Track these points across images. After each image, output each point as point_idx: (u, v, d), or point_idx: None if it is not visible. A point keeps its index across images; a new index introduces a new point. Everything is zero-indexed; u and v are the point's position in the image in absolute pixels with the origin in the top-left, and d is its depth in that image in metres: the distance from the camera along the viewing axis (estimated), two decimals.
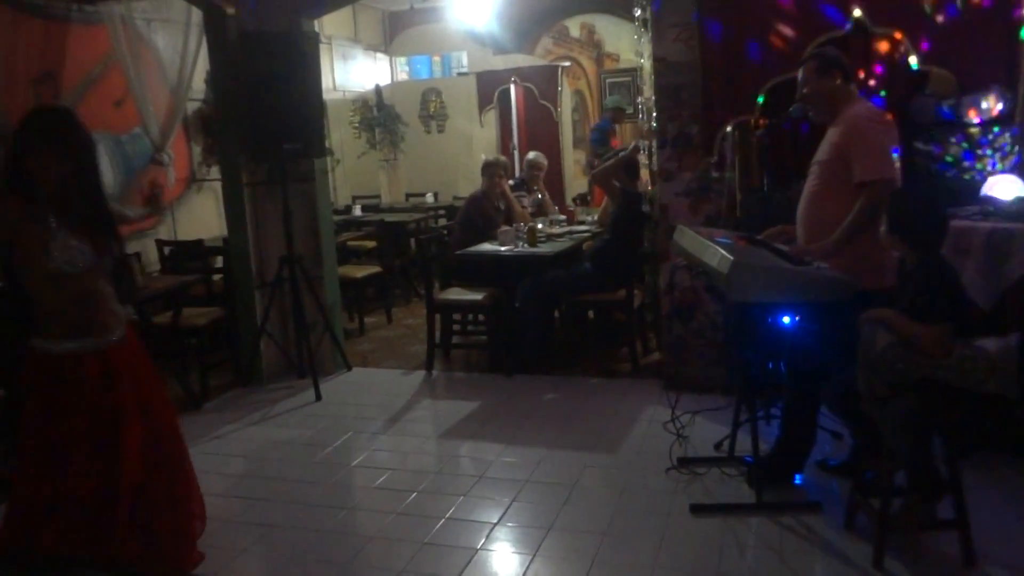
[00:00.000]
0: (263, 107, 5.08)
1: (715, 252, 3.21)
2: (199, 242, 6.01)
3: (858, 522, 3.20)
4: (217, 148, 6.21)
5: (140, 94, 6.21)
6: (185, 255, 5.99)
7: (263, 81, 5.05)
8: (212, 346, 5.65)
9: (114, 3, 5.90)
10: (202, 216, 6.95)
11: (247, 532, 3.51)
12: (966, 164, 4.04)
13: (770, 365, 3.83)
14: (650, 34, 4.87)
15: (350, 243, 7.77)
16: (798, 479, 3.61)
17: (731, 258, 3.05)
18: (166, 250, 6.12)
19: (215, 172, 6.98)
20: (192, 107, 6.87)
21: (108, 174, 6.04)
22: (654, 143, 4.96)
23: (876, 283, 3.26)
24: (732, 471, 3.75)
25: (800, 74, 3.57)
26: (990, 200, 3.76)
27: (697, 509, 3.44)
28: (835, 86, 3.47)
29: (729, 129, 4.60)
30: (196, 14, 5.75)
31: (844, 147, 3.35)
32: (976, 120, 4.06)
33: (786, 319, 3.34)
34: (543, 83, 9.82)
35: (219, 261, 5.82)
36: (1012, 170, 3.94)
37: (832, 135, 3.45)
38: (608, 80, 10.00)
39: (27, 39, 5.47)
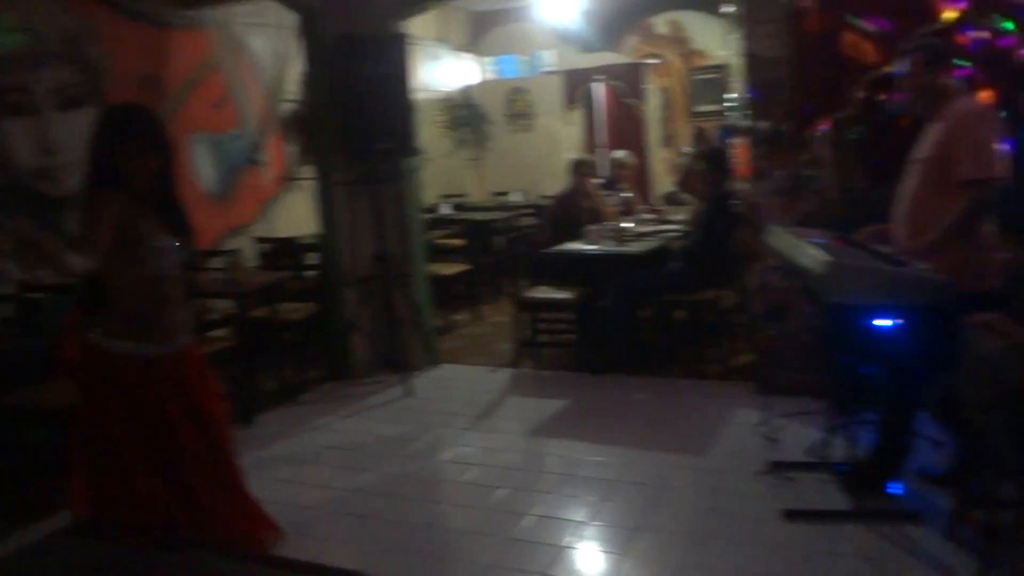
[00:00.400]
0: (355, 108, 5.21)
1: (810, 252, 3.14)
2: (293, 240, 6.19)
3: (961, 534, 3.09)
4: (311, 148, 6.38)
5: (238, 96, 6.43)
6: (281, 252, 6.18)
7: (356, 83, 5.17)
8: (307, 341, 5.81)
9: (214, 8, 6.13)
10: (297, 214, 7.14)
11: (342, 522, 3.62)
12: None
13: (866, 369, 3.74)
14: (741, 30, 4.79)
15: (438, 241, 7.88)
16: (895, 488, 3.51)
17: (827, 259, 2.99)
18: (263, 247, 6.32)
19: (310, 171, 7.18)
20: (287, 108, 7.07)
21: (209, 174, 6.28)
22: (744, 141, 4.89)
23: (978, 285, 3.14)
24: (826, 477, 3.67)
25: (902, 67, 3.45)
26: None
27: (790, 515, 3.38)
28: (941, 80, 3.35)
29: (824, 126, 4.50)
30: (291, 18, 5.91)
31: (947, 144, 3.23)
32: None
33: (884, 322, 3.25)
34: (629, 81, 9.75)
35: (313, 258, 5.99)
36: None
37: (935, 131, 3.33)
38: (696, 77, 9.85)
39: (134, 44, 5.73)
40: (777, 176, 4.70)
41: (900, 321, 3.20)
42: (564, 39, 9.85)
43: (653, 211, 6.76)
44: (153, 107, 2.97)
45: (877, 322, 3.25)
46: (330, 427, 4.79)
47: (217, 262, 5.43)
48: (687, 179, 6.31)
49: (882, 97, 4.32)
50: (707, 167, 5.59)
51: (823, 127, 4.52)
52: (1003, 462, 2.81)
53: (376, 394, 5.32)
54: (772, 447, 3.98)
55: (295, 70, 6.58)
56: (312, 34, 5.52)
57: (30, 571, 1.57)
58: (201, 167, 6.27)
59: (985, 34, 4.22)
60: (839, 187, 4.60)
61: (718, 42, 9.03)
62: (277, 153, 7.02)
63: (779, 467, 3.79)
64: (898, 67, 3.48)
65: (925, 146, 3.37)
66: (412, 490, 3.90)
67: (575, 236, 5.86)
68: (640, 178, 8.72)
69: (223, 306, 5.53)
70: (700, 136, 6.13)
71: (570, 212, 6.11)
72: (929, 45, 3.44)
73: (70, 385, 2.77)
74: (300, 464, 4.27)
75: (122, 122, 2.67)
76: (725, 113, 8.97)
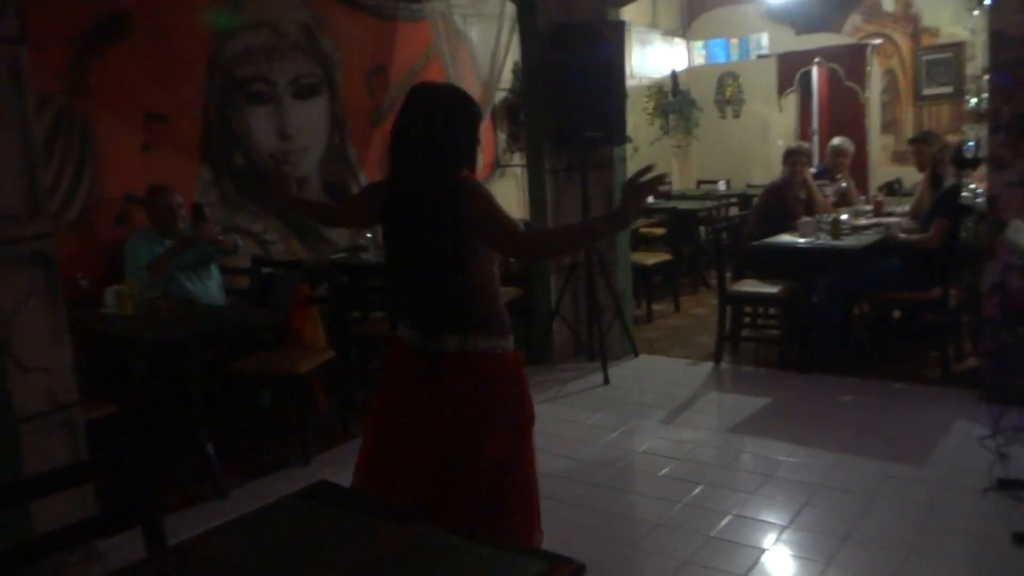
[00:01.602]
0: (569, 96, 5.27)
1: None
2: None
3: None
4: (523, 135, 6.52)
5: (456, 84, 6.67)
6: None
7: (569, 70, 5.23)
8: (514, 324, 5.94)
9: (437, 0, 6.39)
10: (504, 199, 7.24)
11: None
12: None
13: None
14: (985, 5, 4.38)
15: (641, 230, 7.82)
16: None
17: None
18: None
19: (517, 158, 7.35)
20: (499, 96, 7.26)
21: None
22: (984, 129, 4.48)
23: None
24: None
25: None
26: None
27: (1021, 539, 3.08)
28: None
29: None
30: (510, 7, 6.05)
31: None
32: None
33: None
34: (850, 63, 9.19)
35: None
36: None
37: None
38: (924, 57, 9.12)
39: (362, 36, 6.09)
40: (1020, 166, 4.27)
41: None
42: (778, 20, 9.45)
43: (872, 202, 6.35)
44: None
45: None
46: None
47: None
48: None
49: None
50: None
51: None
52: None
53: (574, 381, 5.37)
54: (1001, 462, 3.64)
55: (511, 59, 6.75)
56: (529, 23, 5.63)
57: (270, 527, 1.72)
58: None
59: None
60: None
61: (953, 19, 8.32)
62: (488, 140, 7.22)
63: (1008, 485, 3.46)
64: None
65: None
66: (607, 479, 3.91)
67: (786, 228, 5.62)
68: (858, 167, 8.22)
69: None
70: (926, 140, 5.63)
71: (783, 203, 5.85)
72: None
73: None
74: None
75: (464, 99, 2.40)
76: (960, 98, 8.28)
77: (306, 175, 5.71)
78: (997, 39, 4.32)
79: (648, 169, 2.21)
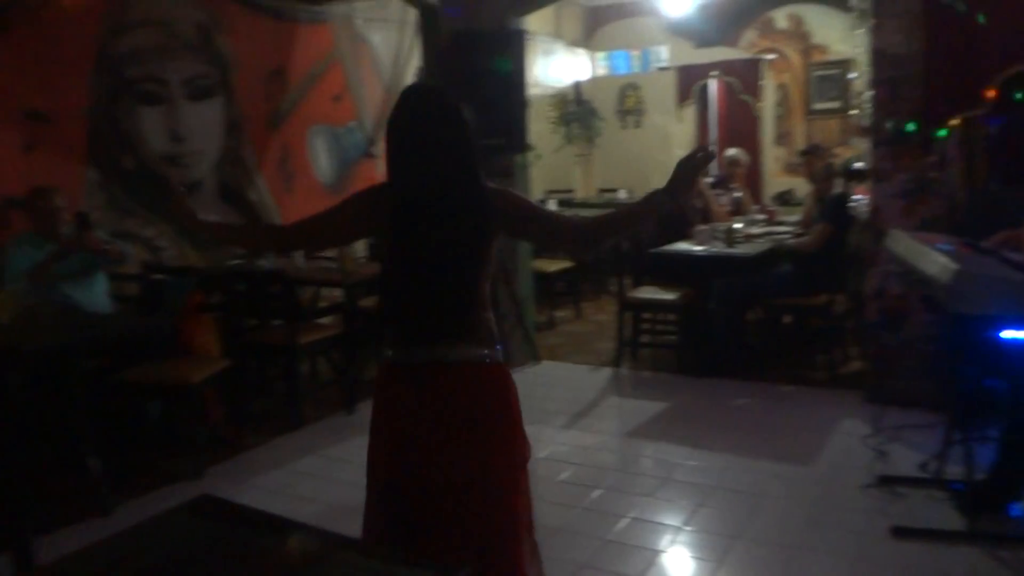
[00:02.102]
0: (470, 103, 5.25)
1: (935, 259, 2.99)
2: None
3: None
4: None
5: (357, 90, 6.60)
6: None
7: (470, 77, 5.23)
8: None
9: (338, 3, 6.31)
10: None
11: None
12: None
13: (990, 382, 3.53)
14: (868, 24, 4.60)
15: None
16: (1017, 510, 3.31)
17: (954, 266, 2.83)
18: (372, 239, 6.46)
19: None
20: None
21: (325, 165, 6.47)
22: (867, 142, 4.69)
23: None
24: (940, 494, 3.48)
25: None
26: None
27: (898, 532, 3.22)
28: None
29: (953, 124, 4.27)
30: (412, 13, 6.02)
31: None
32: None
33: (1013, 334, 3.06)
34: (745, 77, 9.50)
35: None
36: None
37: None
38: (815, 73, 9.51)
39: (261, 37, 5.95)
40: (901, 178, 4.49)
41: None
42: (678, 34, 9.69)
43: (765, 211, 6.57)
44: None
45: (1005, 334, 3.07)
46: None
47: (329, 252, 5.59)
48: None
49: (1018, 95, 4.07)
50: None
51: (952, 126, 4.28)
52: None
53: None
54: (881, 460, 3.81)
55: (413, 65, 6.72)
56: (430, 29, 5.62)
57: (148, 544, 1.64)
58: (318, 158, 6.46)
59: None
60: (967, 190, 4.35)
61: (840, 37, 8.70)
62: None
63: (888, 481, 3.63)
64: None
65: None
66: None
67: (683, 236, 5.76)
68: (752, 177, 8.49)
69: (333, 295, 5.71)
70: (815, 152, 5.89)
71: (680, 211, 5.99)
72: None
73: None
74: None
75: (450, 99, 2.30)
76: (847, 112, 8.65)
77: (200, 179, 5.54)
78: (878, 57, 4.53)
79: (702, 149, 2.20)
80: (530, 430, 4.61)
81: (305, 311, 5.42)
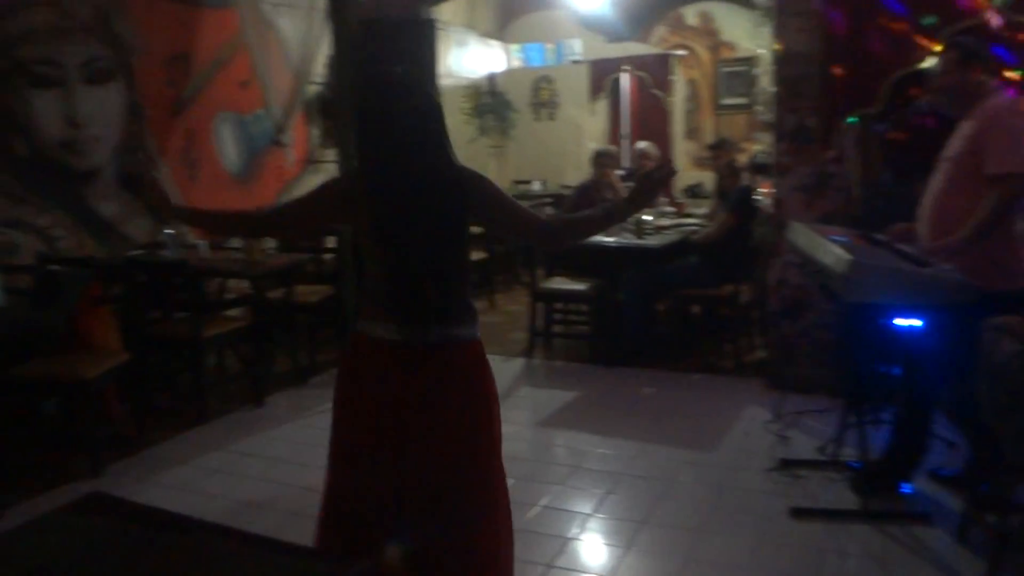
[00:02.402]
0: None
1: (831, 250, 3.10)
2: None
3: (971, 537, 3.05)
4: (334, 131, 6.39)
5: (264, 76, 6.44)
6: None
7: (381, 67, 5.17)
8: (322, 323, 5.83)
9: None
10: None
11: None
12: None
13: (882, 368, 3.69)
14: (772, 23, 4.73)
15: None
16: (907, 488, 3.47)
17: (849, 257, 2.94)
18: None
19: (331, 155, 7.19)
20: (313, 91, 7.08)
21: (232, 154, 6.30)
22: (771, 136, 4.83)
23: (1006, 285, 3.08)
24: (836, 476, 3.63)
25: (934, 64, 3.37)
26: None
27: (798, 513, 3.34)
28: (974, 78, 3.27)
29: (850, 122, 4.43)
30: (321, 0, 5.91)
31: (978, 140, 3.15)
32: None
33: (904, 321, 3.20)
34: (656, 72, 9.68)
35: (331, 242, 5.99)
36: None
37: (965, 129, 3.25)
38: (723, 69, 9.75)
39: (164, 21, 5.74)
40: (801, 172, 4.64)
41: (921, 321, 3.16)
42: (591, 28, 9.78)
43: (674, 204, 6.71)
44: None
45: (897, 322, 3.21)
46: None
47: (236, 243, 5.46)
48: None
49: (911, 94, 4.25)
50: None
51: (849, 123, 4.45)
52: (1016, 466, 2.77)
53: None
54: (782, 444, 3.95)
55: (323, 52, 6.59)
56: (340, 17, 5.52)
57: (32, 545, 1.57)
58: (225, 147, 6.29)
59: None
60: (863, 184, 4.53)
61: (747, 35, 8.92)
62: (300, 135, 7.03)
63: (789, 464, 3.76)
64: (931, 65, 3.41)
65: (955, 143, 3.30)
66: None
67: None
68: None
69: (240, 286, 5.57)
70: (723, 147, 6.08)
71: (590, 203, 6.06)
72: (961, 43, 3.37)
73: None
74: (308, 446, 4.28)
75: None
76: (753, 107, 8.89)
77: (99, 166, 5.32)
78: (781, 55, 4.67)
79: (665, 165, 2.35)
80: None
81: (211, 303, 5.28)
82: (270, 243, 6.26)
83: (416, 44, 5.29)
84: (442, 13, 8.86)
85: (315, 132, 7.16)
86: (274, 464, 4.07)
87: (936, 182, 3.35)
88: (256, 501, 3.66)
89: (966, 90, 3.26)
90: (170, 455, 4.19)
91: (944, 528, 3.16)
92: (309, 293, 5.55)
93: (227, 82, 6.29)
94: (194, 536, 1.57)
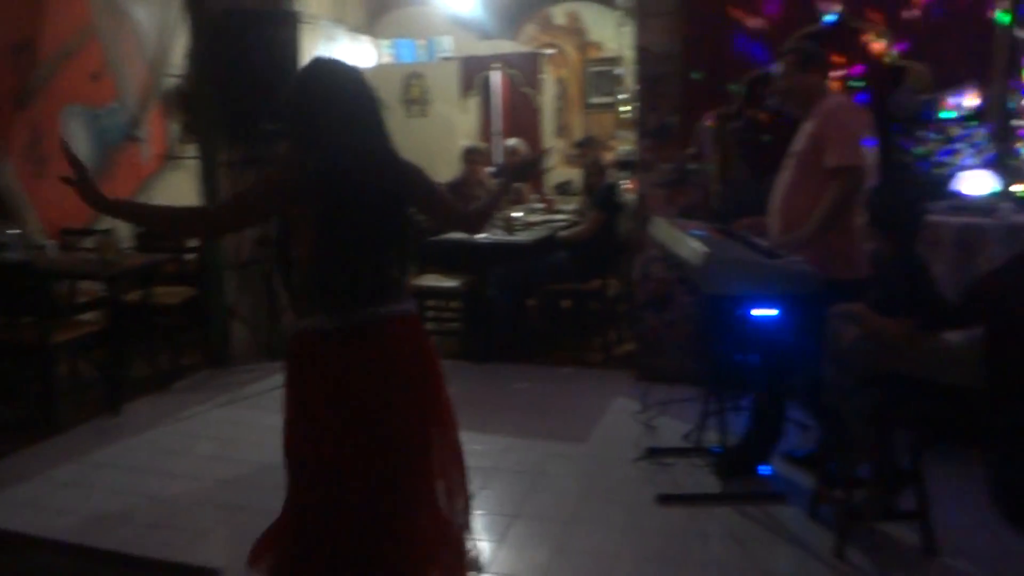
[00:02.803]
0: (242, 86, 5.04)
1: (689, 244, 3.20)
2: None
3: (822, 513, 3.22)
4: (194, 125, 6.14)
5: (118, 68, 6.12)
6: (159, 233, 5.92)
7: (242, 59, 5.01)
8: (183, 326, 5.61)
9: None
10: (178, 194, 6.84)
11: (212, 514, 3.49)
12: (941, 159, 4.06)
13: (740, 357, 3.85)
14: (633, 23, 4.85)
15: None
16: (765, 470, 3.64)
17: (705, 250, 3.05)
18: (141, 227, 6.03)
19: (192, 150, 6.91)
20: (171, 83, 6.78)
21: (83, 149, 5.96)
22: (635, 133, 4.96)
23: (849, 274, 3.27)
24: (700, 462, 3.76)
25: (778, 67, 3.56)
26: (962, 195, 3.78)
27: (663, 499, 3.45)
28: (812, 81, 3.46)
29: (708, 121, 4.60)
30: None
31: (818, 137, 3.35)
32: (952, 116, 4.08)
33: (758, 311, 3.35)
34: (526, 70, 9.76)
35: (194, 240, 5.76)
36: (985, 165, 3.97)
37: (808, 127, 3.45)
38: (591, 69, 9.96)
39: (5, 7, 5.37)
40: (663, 169, 4.79)
41: (773, 311, 3.31)
42: (461, 25, 9.79)
43: (544, 200, 6.80)
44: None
45: (752, 312, 3.36)
46: (204, 416, 4.62)
47: (89, 242, 5.17)
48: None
49: (761, 94, 4.44)
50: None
51: (707, 121, 4.61)
52: (860, 444, 2.94)
53: (255, 382, 5.16)
54: (649, 434, 4.06)
55: (180, 43, 6.32)
56: (198, 6, 5.30)
57: None
58: (75, 142, 5.92)
59: (863, 37, 4.39)
60: (721, 180, 4.71)
61: (613, 35, 9.14)
62: (158, 130, 6.72)
63: (655, 453, 3.87)
64: (774, 68, 3.59)
65: (799, 141, 3.48)
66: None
67: None
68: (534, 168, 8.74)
69: (93, 288, 5.28)
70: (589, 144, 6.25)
71: (461, 199, 6.05)
72: (801, 48, 3.56)
73: None
74: (169, 455, 4.11)
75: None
76: (618, 106, 9.11)
77: None
78: (643, 55, 4.80)
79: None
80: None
81: (60, 307, 4.97)
82: (126, 242, 5.97)
83: (280, 36, 5.11)
84: (309, 6, 8.67)
85: (174, 126, 6.87)
86: (132, 474, 3.87)
87: (783, 178, 3.53)
88: (111, 514, 3.48)
89: (805, 91, 3.46)
90: (15, 470, 3.91)
91: (798, 506, 3.33)
92: (169, 294, 5.32)
93: (77, 73, 5.95)
94: (31, 556, 1.48)
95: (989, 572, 2.90)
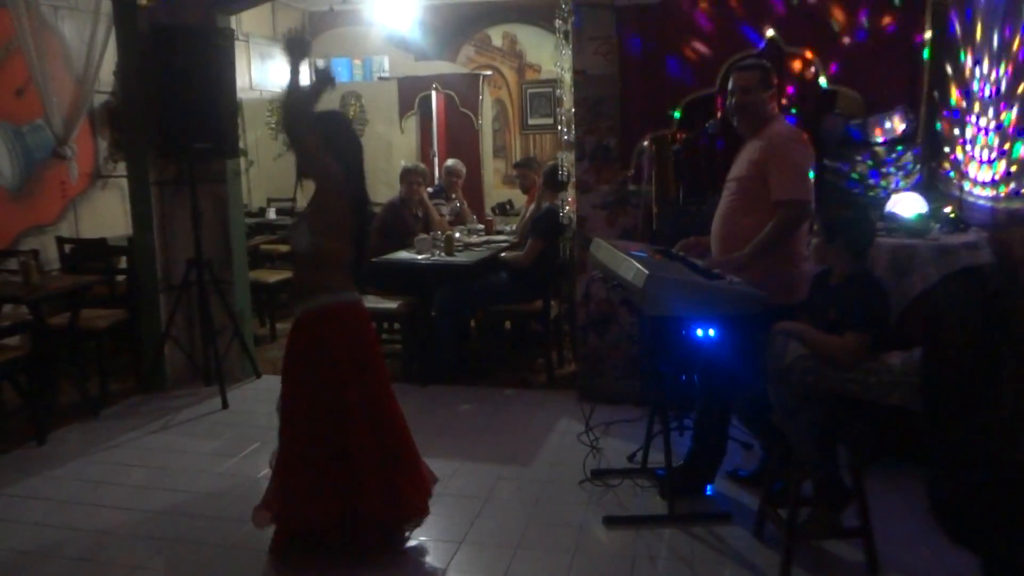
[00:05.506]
0: (173, 103, 4.92)
1: (630, 265, 3.21)
2: (102, 241, 5.75)
3: (767, 531, 3.25)
4: (124, 144, 5.97)
5: (43, 83, 5.92)
6: (87, 254, 5.73)
7: (174, 76, 4.89)
8: (113, 350, 5.42)
9: None
10: (107, 214, 6.65)
11: (146, 546, 3.35)
12: (871, 182, 4.17)
13: (683, 377, 3.88)
14: (571, 46, 4.89)
15: (263, 247, 7.57)
16: (709, 490, 3.66)
17: (646, 272, 3.06)
18: (67, 248, 5.83)
19: (122, 168, 6.71)
20: (99, 100, 6.59)
21: (6, 167, 5.73)
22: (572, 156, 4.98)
23: (785, 298, 3.31)
24: (645, 483, 3.77)
25: (737, 81, 3.56)
26: (893, 217, 3.88)
27: (610, 521, 3.44)
28: (767, 100, 3.51)
29: (646, 143, 4.64)
30: (106, 3, 5.50)
31: (763, 164, 3.39)
32: (881, 139, 4.19)
33: (699, 332, 3.37)
34: (464, 91, 9.77)
35: (124, 262, 5.58)
36: (914, 188, 4.08)
37: (751, 151, 3.48)
38: (529, 91, 10.03)
39: None
40: (603, 190, 4.82)
41: (713, 331, 3.34)
42: (399, 46, 9.76)
43: (483, 221, 6.78)
44: None
45: (692, 332, 3.38)
46: (136, 444, 4.45)
47: (12, 263, 4.97)
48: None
49: (700, 117, 4.50)
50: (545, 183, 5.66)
51: (645, 144, 4.65)
52: (802, 462, 2.97)
53: (190, 408, 5.01)
54: (594, 455, 4.05)
55: (109, 59, 6.15)
56: (129, 22, 5.16)
57: None
58: None
59: (794, 62, 4.49)
60: (660, 202, 4.76)
61: (551, 57, 9.21)
62: (86, 147, 6.51)
63: (601, 474, 3.86)
64: (731, 82, 3.59)
65: (742, 165, 3.52)
66: (225, 509, 3.67)
67: (404, 245, 5.77)
68: (474, 188, 8.74)
69: (17, 312, 5.06)
70: (528, 165, 6.29)
71: (401, 220, 6.01)
72: (762, 65, 3.59)
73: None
74: (99, 484, 3.94)
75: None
76: (556, 128, 9.17)
77: None
78: (580, 77, 4.83)
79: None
80: (249, 449, 4.41)
81: None
82: (53, 264, 5.76)
83: (213, 54, 5.01)
84: (244, 23, 8.55)
85: (103, 144, 6.67)
86: (59, 507, 3.71)
87: (726, 201, 3.57)
88: (37, 549, 3.32)
89: (759, 110, 3.50)
90: None
91: (744, 526, 3.35)
92: (98, 317, 5.13)
93: (0, 89, 5.74)
94: None
95: None
